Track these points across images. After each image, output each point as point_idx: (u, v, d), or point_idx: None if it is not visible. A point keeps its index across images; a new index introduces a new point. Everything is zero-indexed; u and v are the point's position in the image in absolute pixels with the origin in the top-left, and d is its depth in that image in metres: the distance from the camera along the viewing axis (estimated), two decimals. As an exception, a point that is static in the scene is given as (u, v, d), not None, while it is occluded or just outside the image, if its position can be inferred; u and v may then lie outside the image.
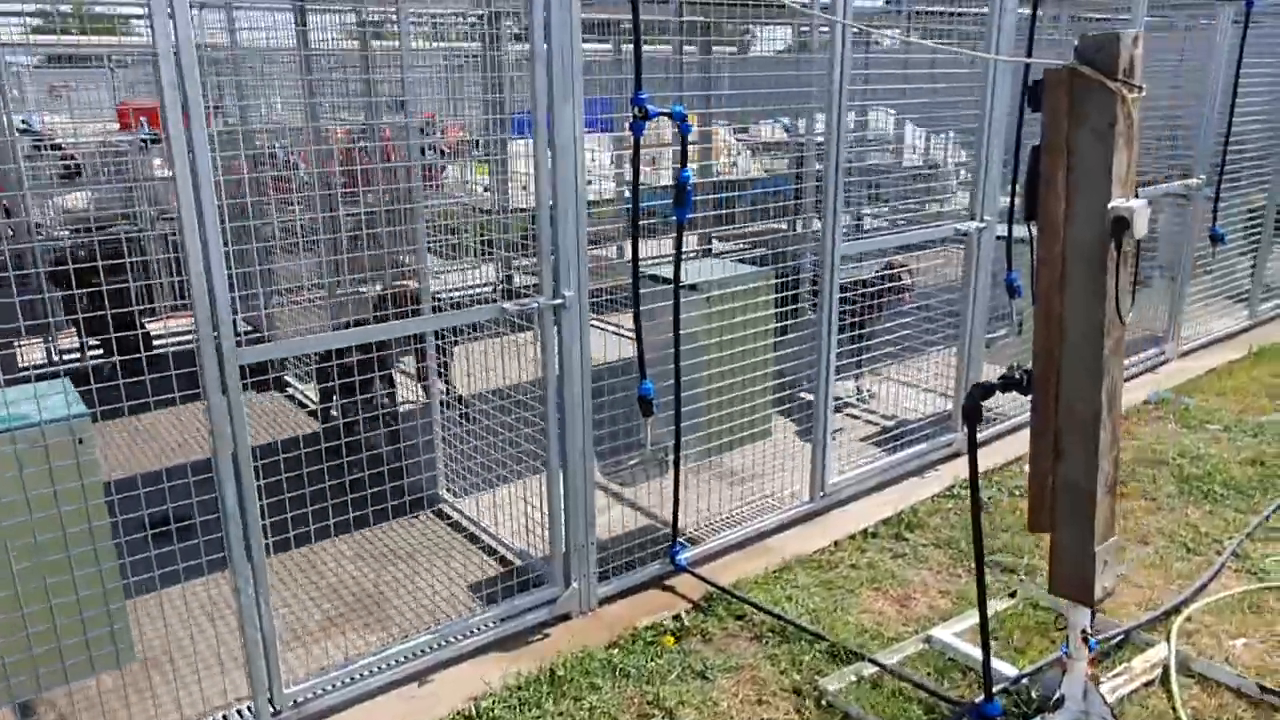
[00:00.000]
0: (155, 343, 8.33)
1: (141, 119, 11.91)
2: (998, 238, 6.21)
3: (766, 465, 5.89)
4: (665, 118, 4.35)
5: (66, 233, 9.40)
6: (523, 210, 5.60)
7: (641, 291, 5.46)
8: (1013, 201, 5.57)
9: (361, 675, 4.21)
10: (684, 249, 4.63)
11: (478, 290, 8.47)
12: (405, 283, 6.40)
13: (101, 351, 8.36)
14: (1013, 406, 6.83)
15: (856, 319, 6.87)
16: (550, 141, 4.21)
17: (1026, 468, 3.60)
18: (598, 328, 7.76)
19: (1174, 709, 3.94)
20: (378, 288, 7.85)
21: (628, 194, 11.30)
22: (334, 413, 6.63)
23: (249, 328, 8.66)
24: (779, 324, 7.07)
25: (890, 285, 7.00)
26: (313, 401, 7.53)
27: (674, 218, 4.54)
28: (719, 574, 5.09)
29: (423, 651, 4.37)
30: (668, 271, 4.83)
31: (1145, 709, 3.96)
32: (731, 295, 5.64)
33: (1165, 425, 6.95)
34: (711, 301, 5.59)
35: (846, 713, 3.99)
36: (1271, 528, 5.38)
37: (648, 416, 4.63)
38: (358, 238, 7.99)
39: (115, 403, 3.65)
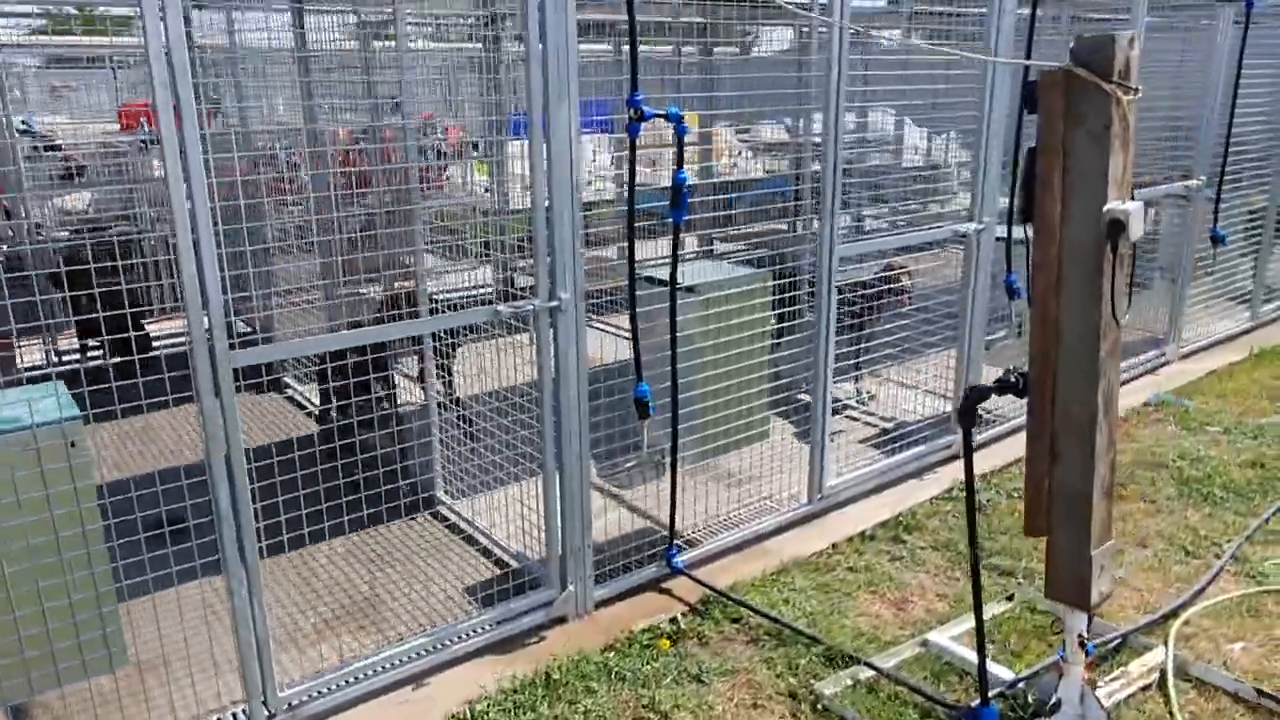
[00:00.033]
0: (154, 344, 8.35)
1: (140, 120, 11.91)
2: (997, 239, 6.19)
3: (765, 467, 5.88)
4: (662, 119, 4.34)
5: (66, 233, 9.41)
6: (520, 211, 5.58)
7: (640, 293, 5.46)
8: (1012, 203, 5.55)
9: (356, 678, 4.20)
10: (684, 250, 4.62)
11: (478, 291, 8.46)
12: (403, 284, 6.39)
13: (101, 353, 8.35)
14: (1011, 408, 6.81)
15: (856, 320, 6.86)
16: (546, 143, 4.19)
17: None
18: (598, 329, 7.78)
19: (1171, 714, 3.93)
20: (376, 289, 7.85)
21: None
22: (333, 414, 6.62)
23: (248, 329, 8.65)
24: (778, 325, 7.07)
25: (890, 287, 6.99)
26: (312, 403, 7.52)
27: (672, 219, 4.53)
28: (716, 576, 5.07)
29: (418, 654, 4.36)
30: (667, 273, 4.82)
31: (1142, 714, 3.94)
32: (728, 297, 5.62)
33: (1165, 427, 6.93)
34: (708, 304, 5.58)
35: (842, 717, 3.97)
36: (1271, 531, 5.36)
37: (644, 419, 4.62)
38: (356, 239, 7.98)
39: (113, 404, 3.64)
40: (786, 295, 5.85)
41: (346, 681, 4.18)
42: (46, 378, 3.62)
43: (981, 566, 4.96)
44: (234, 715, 4.02)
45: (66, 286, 7.59)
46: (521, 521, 5.16)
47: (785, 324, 6.30)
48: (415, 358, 6.34)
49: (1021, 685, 4.02)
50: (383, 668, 4.27)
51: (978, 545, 3.54)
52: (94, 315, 6.73)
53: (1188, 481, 5.97)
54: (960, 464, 6.21)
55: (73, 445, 3.37)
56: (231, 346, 3.52)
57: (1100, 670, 4.15)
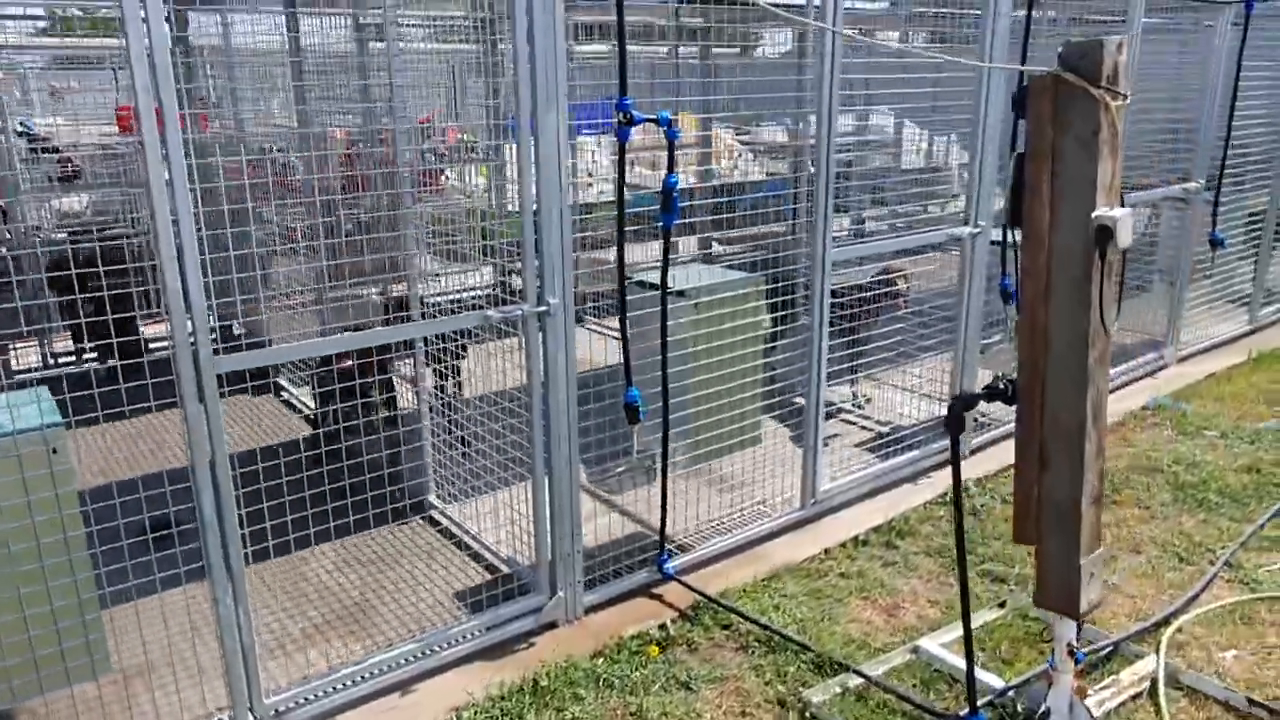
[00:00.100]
0: (150, 347, 8.34)
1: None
2: (992, 243, 6.17)
3: (759, 472, 5.85)
4: (652, 123, 4.32)
5: (63, 235, 9.39)
6: (513, 215, 5.56)
7: (634, 297, 5.44)
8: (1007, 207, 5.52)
9: (344, 685, 4.18)
10: (683, 253, 4.60)
11: (474, 294, 8.43)
12: (398, 288, 6.37)
13: (96, 355, 8.33)
14: (1006, 412, 6.77)
15: (852, 324, 6.84)
16: (534, 145, 4.17)
17: (1012, 478, 3.56)
18: (598, 332, 7.75)
19: (1162, 722, 3.91)
20: (370, 292, 7.83)
21: (628, 195, 11.30)
22: (327, 418, 6.59)
23: (243, 331, 8.63)
24: (773, 329, 7.05)
25: (886, 290, 6.96)
26: (307, 406, 7.50)
27: (662, 223, 4.51)
28: (708, 582, 5.05)
29: (406, 661, 4.34)
30: (672, 272, 4.80)
31: (1133, 722, 3.92)
32: (720, 301, 5.60)
33: (1162, 431, 6.90)
34: (700, 308, 5.56)
35: (831, 725, 3.95)
36: (1265, 537, 5.33)
37: (634, 424, 4.60)
38: (352, 242, 7.96)
39: (109, 406, 3.62)
40: (782, 299, 5.82)
41: (335, 688, 4.16)
42: (28, 384, 3.60)
43: (974, 572, 4.98)
44: (220, 722, 4.00)
45: (60, 290, 7.60)
46: (512, 526, 5.14)
47: (781, 327, 6.28)
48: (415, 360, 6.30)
49: (1011, 694, 4.00)
50: (371, 674, 4.25)
51: (966, 553, 3.51)
52: (89, 319, 6.75)
53: (1183, 487, 5.94)
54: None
55: (54, 452, 3.36)
56: (216, 352, 3.50)
57: (1091, 678, 4.12)
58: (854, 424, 7.17)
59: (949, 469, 6.21)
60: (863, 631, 4.59)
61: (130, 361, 3.91)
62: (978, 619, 4.60)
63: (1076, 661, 3.63)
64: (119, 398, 3.60)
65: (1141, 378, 8.18)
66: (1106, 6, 8.84)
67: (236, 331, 8.53)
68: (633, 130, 4.29)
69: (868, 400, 7.48)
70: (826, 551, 5.37)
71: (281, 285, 7.72)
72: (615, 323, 4.61)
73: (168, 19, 3.20)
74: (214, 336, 3.47)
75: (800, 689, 4.14)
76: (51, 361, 8.54)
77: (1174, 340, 8.49)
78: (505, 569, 5.15)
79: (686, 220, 8.76)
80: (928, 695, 4.09)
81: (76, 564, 3.50)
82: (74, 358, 8.46)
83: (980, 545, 5.34)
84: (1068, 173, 3.18)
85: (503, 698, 4.16)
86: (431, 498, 5.91)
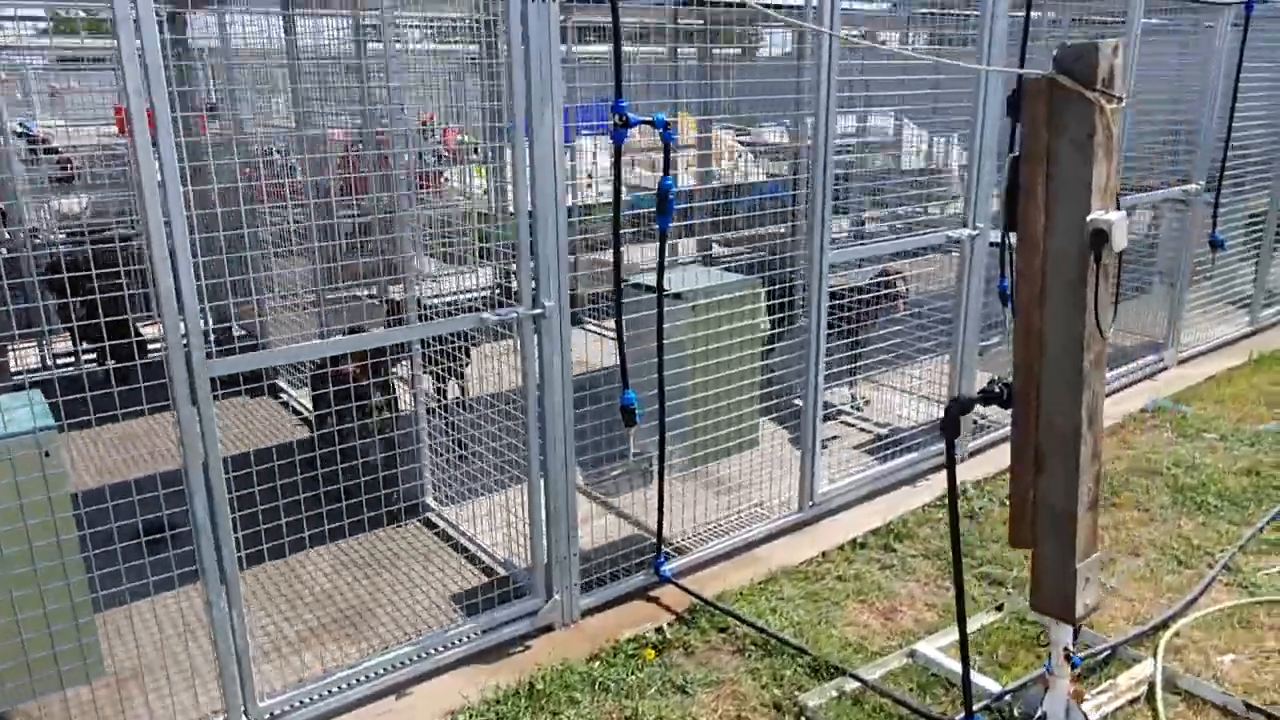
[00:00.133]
0: (151, 348, 8.33)
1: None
2: (991, 244, 6.15)
3: (757, 474, 5.84)
4: (649, 125, 4.31)
5: (63, 237, 9.39)
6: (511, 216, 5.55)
7: (632, 300, 5.43)
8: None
9: (339, 688, 4.17)
10: (683, 255, 4.59)
11: (474, 296, 8.43)
12: (394, 290, 6.36)
13: (95, 357, 8.33)
14: (1005, 414, 6.72)
15: (851, 326, 6.83)
16: (529, 148, 4.16)
17: (1008, 482, 3.55)
18: (597, 334, 7.73)
19: (1159, 727, 3.89)
20: (369, 294, 7.82)
21: (629, 196, 11.30)
22: (327, 421, 6.57)
23: (243, 332, 8.63)
24: (773, 331, 7.03)
25: (885, 293, 6.95)
26: (305, 409, 7.49)
27: (658, 226, 4.50)
28: (705, 585, 5.04)
29: (402, 664, 4.33)
30: (670, 274, 4.78)
31: (1130, 727, 3.91)
32: (718, 304, 5.59)
33: (1162, 434, 6.88)
34: (697, 310, 5.54)
35: (827, 729, 3.94)
36: (1265, 540, 5.31)
37: (630, 427, 4.58)
38: (350, 243, 7.96)
39: (103, 409, 3.62)
40: (782, 301, 5.81)
41: (330, 691, 4.16)
42: (20, 387, 3.59)
43: (972, 575, 4.97)
44: (214, 726, 3.99)
45: (58, 292, 7.60)
46: (508, 529, 5.13)
47: (780, 329, 6.27)
48: (417, 361, 6.29)
49: (1008, 698, 3.98)
50: (366, 677, 4.24)
51: (961, 558, 3.50)
52: (82, 322, 6.75)
53: (1182, 489, 5.92)
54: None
55: (46, 455, 3.35)
56: (209, 355, 3.49)
57: (1088, 682, 4.11)
58: (853, 426, 7.15)
59: (944, 473, 6.25)
60: (860, 635, 4.58)
61: (129, 364, 3.91)
62: (975, 622, 4.59)
63: (1073, 666, 3.63)
64: (116, 399, 3.59)
65: (1141, 380, 8.16)
66: (1107, 8, 8.83)
67: (236, 333, 8.54)
68: (633, 131, 4.28)
69: (866, 402, 7.47)
70: (824, 554, 5.35)
71: (278, 287, 7.71)
72: (614, 324, 4.59)
73: (168, 20, 3.20)
74: (213, 338, 3.46)
75: (796, 693, 4.13)
76: (51, 363, 8.53)
77: (1174, 342, 8.48)
78: (502, 571, 5.14)
79: (687, 222, 8.77)
80: (924, 699, 4.07)
81: (69, 567, 3.49)
82: (72, 359, 8.44)
83: (978, 548, 5.33)
84: (1063, 175, 3.17)
85: (498, 701, 4.15)
86: (429, 500, 5.90)
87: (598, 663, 4.41)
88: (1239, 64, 7.70)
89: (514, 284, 7.49)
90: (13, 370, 8.04)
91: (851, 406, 7.44)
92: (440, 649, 4.44)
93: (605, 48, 11.65)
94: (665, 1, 9.16)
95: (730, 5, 5.29)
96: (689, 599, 4.90)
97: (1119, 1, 7.26)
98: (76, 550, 3.51)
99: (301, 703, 4.08)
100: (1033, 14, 5.09)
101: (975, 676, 4.04)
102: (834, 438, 6.81)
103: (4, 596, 3.39)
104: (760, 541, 5.50)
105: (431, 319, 5.49)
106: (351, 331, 6.83)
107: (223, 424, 7.13)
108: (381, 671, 4.28)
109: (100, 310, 4.35)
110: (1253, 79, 8.12)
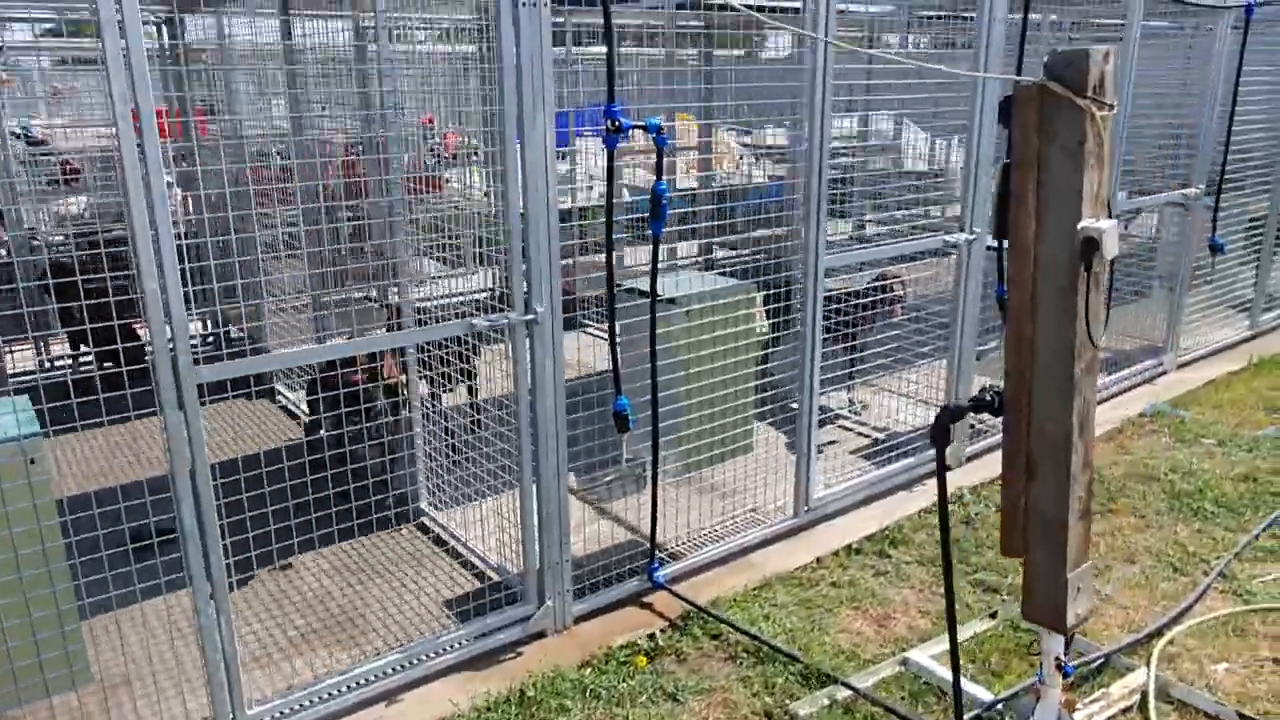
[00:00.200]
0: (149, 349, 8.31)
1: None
2: (988, 248, 6.13)
3: (753, 479, 5.82)
4: (643, 129, 4.29)
5: (61, 238, 9.38)
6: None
7: (627, 305, 5.41)
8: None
9: (329, 695, 4.15)
10: (683, 257, 4.56)
11: (472, 299, 8.40)
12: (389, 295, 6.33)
13: (93, 359, 8.32)
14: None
15: (849, 330, 6.81)
16: (520, 151, 4.14)
17: (1000, 490, 3.52)
18: (597, 336, 7.71)
19: (1152, 736, 3.87)
20: (364, 297, 7.80)
21: (628, 196, 11.28)
22: (321, 425, 6.56)
23: (241, 335, 8.62)
24: (772, 335, 7.01)
25: (883, 296, 6.93)
26: (302, 412, 7.47)
27: (652, 230, 4.48)
28: (699, 590, 5.02)
29: (392, 670, 4.31)
30: (661, 282, 4.76)
31: (1123, 736, 3.89)
32: (712, 309, 5.57)
33: (1159, 439, 6.85)
34: (691, 316, 5.52)
35: (817, 738, 3.92)
36: (1260, 548, 5.28)
37: (623, 433, 4.57)
38: (346, 247, 7.95)
39: (100, 411, 3.61)
40: (781, 304, 5.79)
41: (320, 698, 4.14)
42: (7, 393, 3.58)
43: (966, 582, 4.95)
44: (202, 733, 3.98)
45: (58, 292, 7.58)
46: (501, 534, 5.11)
47: (779, 333, 6.25)
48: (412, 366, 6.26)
49: (1000, 707, 3.96)
50: (356, 684, 4.22)
51: (952, 568, 3.47)
52: (83, 323, 6.73)
53: (1179, 495, 5.89)
54: (950, 476, 6.17)
55: (32, 462, 3.33)
56: (196, 361, 3.47)
57: (1081, 691, 4.09)
58: (850, 430, 7.13)
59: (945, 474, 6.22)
60: (852, 642, 4.56)
61: (128, 368, 3.89)
62: (969, 629, 4.57)
63: (1065, 675, 3.60)
64: (111, 402, 3.58)
65: (1140, 384, 8.13)
66: (1107, 10, 8.80)
67: (234, 335, 8.53)
68: (633, 133, 4.26)
69: (865, 406, 7.45)
70: (819, 560, 5.33)
71: (275, 290, 7.70)
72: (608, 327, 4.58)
73: (165, 22, 3.18)
74: (210, 340, 3.45)
75: (788, 701, 4.11)
76: (49, 365, 8.53)
77: (1174, 346, 8.44)
78: (495, 577, 5.13)
79: (688, 226, 8.76)
80: (916, 708, 4.05)
81: (55, 575, 3.47)
82: (70, 362, 8.44)
83: (973, 554, 5.31)
84: (1053, 182, 3.15)
85: (488, 709, 4.13)
86: (423, 504, 5.89)
87: (589, 670, 4.39)
88: (1239, 67, 7.68)
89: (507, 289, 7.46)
90: (9, 373, 8.04)
91: (850, 411, 7.42)
92: (432, 655, 4.42)
93: (603, 49, 11.62)
94: (664, 5, 9.15)
95: (724, 9, 5.26)
96: (682, 605, 4.88)
97: (1119, 5, 7.23)
98: (62, 557, 3.50)
99: (291, 710, 4.06)
100: (1033, 17, 5.08)
101: (967, 685, 4.02)
102: (831, 442, 6.79)
103: (-11, 603, 3.39)
104: (755, 547, 5.48)
105: (426, 323, 5.47)
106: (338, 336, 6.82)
107: (218, 427, 7.13)
108: (372, 678, 4.26)
109: (93, 312, 4.33)
110: (1253, 82, 8.10)
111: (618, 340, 4.54)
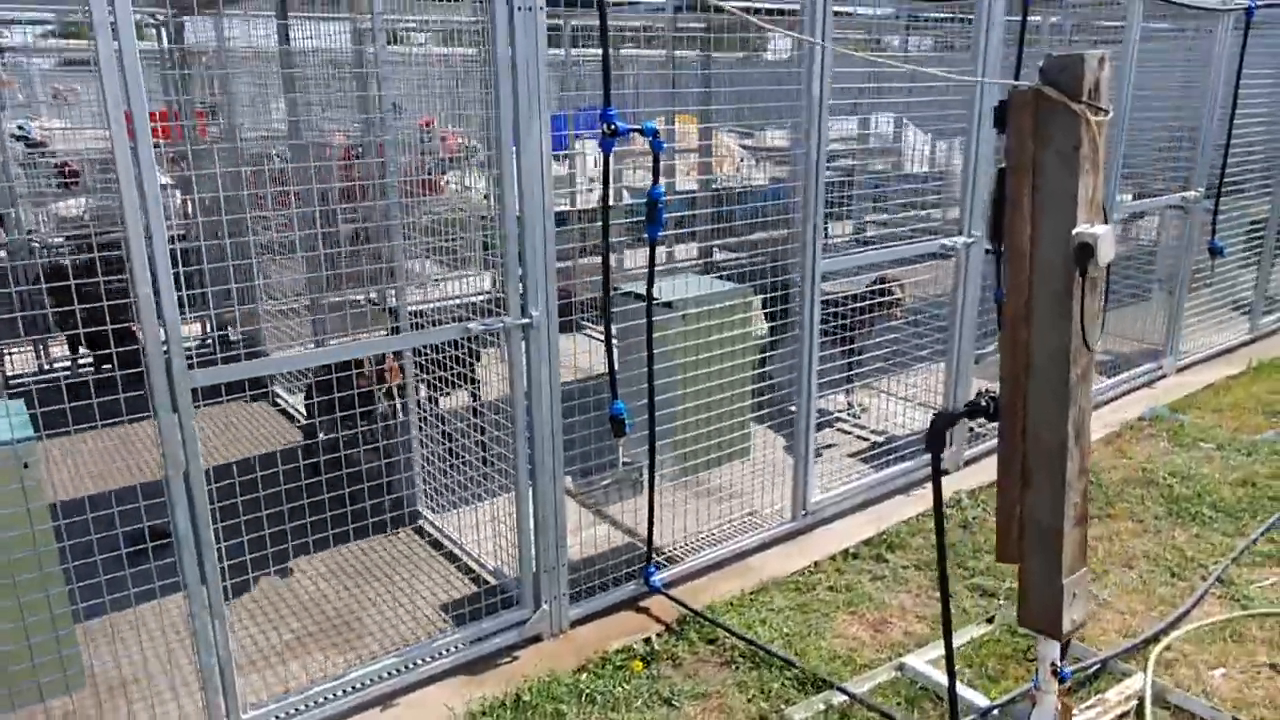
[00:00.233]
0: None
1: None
2: (986, 251, 6.12)
3: (751, 482, 5.81)
4: (639, 133, 4.29)
5: (60, 240, 9.38)
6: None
7: (624, 308, 5.40)
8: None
9: (325, 699, 4.15)
10: (683, 259, 4.56)
11: (471, 301, 8.39)
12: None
13: (92, 362, 8.32)
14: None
15: (848, 333, 6.80)
16: (516, 154, 4.14)
17: (996, 496, 3.51)
18: (593, 337, 7.71)
19: (1148, 742, 3.86)
20: (362, 299, 7.79)
21: (628, 198, 11.27)
22: (319, 428, 6.55)
23: (240, 338, 8.62)
24: (771, 338, 7.00)
25: (882, 300, 6.92)
26: (300, 414, 7.47)
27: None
28: (696, 594, 5.01)
29: (388, 675, 4.31)
30: (659, 285, 4.76)
31: (1119, 742, 3.87)
32: (709, 313, 5.56)
33: (1158, 443, 6.84)
34: (688, 319, 5.52)
35: (813, 743, 3.91)
36: (1258, 552, 5.27)
37: (619, 437, 4.56)
38: (344, 249, 7.94)
39: (101, 413, 3.61)
40: (779, 308, 5.78)
41: (315, 702, 4.13)
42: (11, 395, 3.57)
43: (963, 586, 4.94)
44: (197, 737, 3.98)
45: (57, 294, 7.58)
46: (498, 538, 5.10)
47: (777, 336, 6.24)
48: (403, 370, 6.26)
49: (996, 713, 3.95)
50: (352, 688, 4.22)
51: (947, 573, 3.47)
52: (80, 325, 6.74)
53: (1177, 500, 5.88)
54: (948, 480, 6.18)
55: (25, 466, 3.33)
56: (191, 365, 3.47)
57: (1078, 696, 4.08)
58: (849, 433, 7.12)
59: (942, 480, 6.21)
60: (848, 647, 4.55)
61: (126, 371, 3.88)
62: (966, 634, 4.56)
63: (1062, 680, 3.59)
64: (108, 405, 3.58)
65: (1140, 387, 8.12)
66: (1108, 12, 8.80)
67: (233, 338, 8.52)
68: (631, 135, 4.26)
69: (864, 409, 7.44)
70: (816, 564, 5.32)
71: (273, 293, 7.69)
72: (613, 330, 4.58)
73: (164, 25, 3.17)
74: (209, 343, 3.45)
75: (783, 706, 4.10)
76: (49, 367, 8.53)
77: (1173, 349, 8.43)
78: (491, 581, 5.12)
79: (689, 229, 8.75)
80: (911, 714, 4.05)
81: (49, 578, 3.47)
82: (69, 365, 8.44)
83: (971, 559, 5.30)
84: (1048, 187, 3.14)
85: (484, 713, 4.13)
86: (421, 507, 5.88)
87: (585, 674, 4.38)
88: (1239, 69, 7.67)
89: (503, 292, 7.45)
90: (8, 375, 8.04)
91: (849, 414, 7.41)
92: (427, 659, 4.42)
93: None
94: (665, 7, 9.16)
95: (720, 11, 5.26)
96: (679, 609, 4.87)
97: (1118, 8, 7.22)
98: (56, 562, 3.49)
99: (286, 714, 4.05)
100: (1033, 19, 5.07)
101: (963, 690, 4.02)
102: (830, 445, 6.79)
103: (-17, 608, 3.38)
104: (752, 551, 5.47)
105: (423, 327, 5.46)
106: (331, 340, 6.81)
107: (217, 430, 7.13)
108: (368, 682, 4.25)
109: (92, 315, 4.33)
110: (1253, 84, 8.09)
111: (616, 344, 4.53)
